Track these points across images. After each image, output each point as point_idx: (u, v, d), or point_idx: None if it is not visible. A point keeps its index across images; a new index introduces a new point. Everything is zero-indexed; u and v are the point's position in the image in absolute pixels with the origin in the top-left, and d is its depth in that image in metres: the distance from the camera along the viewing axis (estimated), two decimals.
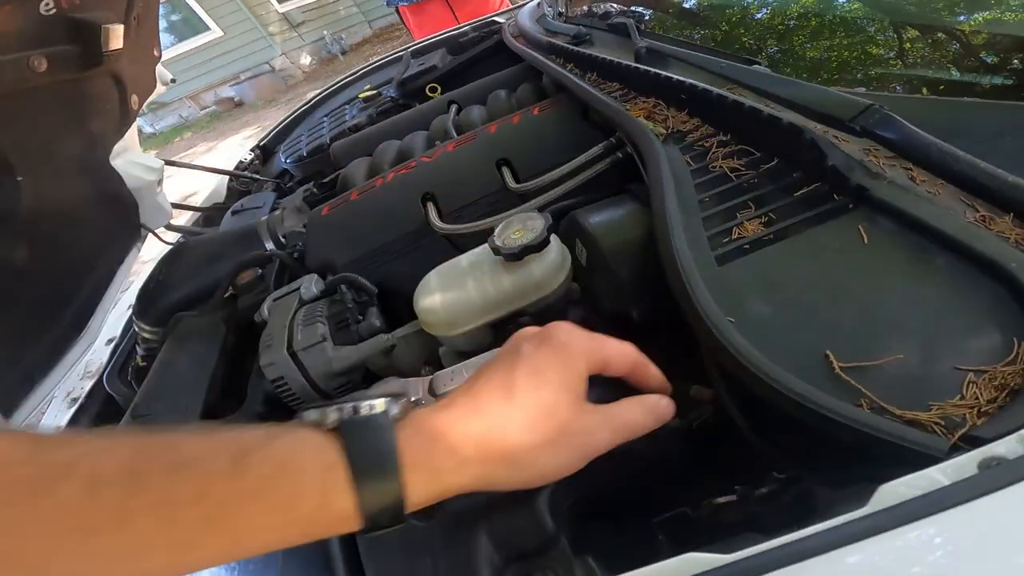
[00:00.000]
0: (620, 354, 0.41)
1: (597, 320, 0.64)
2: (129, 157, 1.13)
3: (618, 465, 0.39)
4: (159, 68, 1.20)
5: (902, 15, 0.68)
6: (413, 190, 0.92)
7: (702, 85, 0.57)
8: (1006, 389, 0.30)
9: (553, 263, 0.57)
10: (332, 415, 0.33)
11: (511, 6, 2.80)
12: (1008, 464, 0.25)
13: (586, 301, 0.64)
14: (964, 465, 0.25)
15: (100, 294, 1.04)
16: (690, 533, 0.36)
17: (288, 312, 0.86)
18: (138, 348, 1.10)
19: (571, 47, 1.02)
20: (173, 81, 1.30)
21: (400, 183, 0.96)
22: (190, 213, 1.61)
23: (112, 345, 1.24)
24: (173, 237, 1.39)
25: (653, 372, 0.43)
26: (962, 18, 0.61)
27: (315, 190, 1.26)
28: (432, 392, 0.51)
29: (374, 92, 1.79)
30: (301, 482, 0.31)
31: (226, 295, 1.00)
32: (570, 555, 0.35)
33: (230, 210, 1.41)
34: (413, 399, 0.51)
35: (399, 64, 1.90)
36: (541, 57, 1.12)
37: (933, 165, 0.42)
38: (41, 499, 0.26)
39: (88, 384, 1.17)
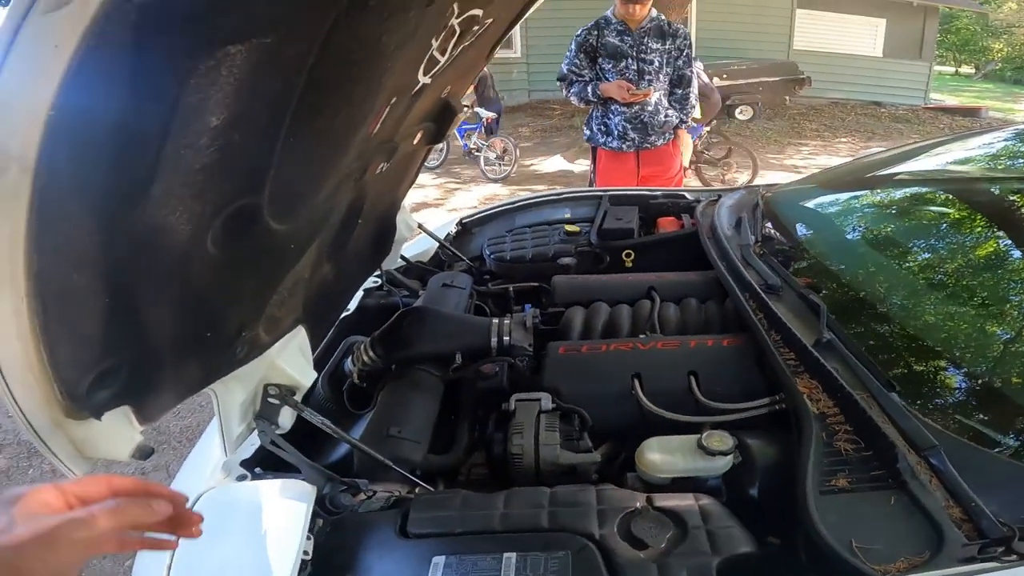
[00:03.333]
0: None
1: (727, 492, 1.14)
2: (402, 216, 1.57)
3: None
4: None
5: None
6: (629, 366, 1.45)
7: (856, 395, 1.08)
8: (911, 567, 0.80)
9: (729, 461, 1.09)
10: None
11: (685, 174, 3.38)
12: None
13: (727, 479, 1.15)
14: None
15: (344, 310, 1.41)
16: None
17: (530, 413, 1.39)
18: (350, 365, 1.52)
19: (764, 296, 1.48)
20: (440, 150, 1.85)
21: (619, 357, 1.51)
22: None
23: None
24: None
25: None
26: None
27: (540, 317, 1.73)
28: (649, 503, 1.02)
29: (576, 229, 2.27)
30: None
31: (453, 367, 1.50)
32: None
33: (439, 280, 1.90)
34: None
35: (598, 204, 2.42)
36: (736, 289, 1.56)
37: (944, 481, 0.91)
38: None
39: None
